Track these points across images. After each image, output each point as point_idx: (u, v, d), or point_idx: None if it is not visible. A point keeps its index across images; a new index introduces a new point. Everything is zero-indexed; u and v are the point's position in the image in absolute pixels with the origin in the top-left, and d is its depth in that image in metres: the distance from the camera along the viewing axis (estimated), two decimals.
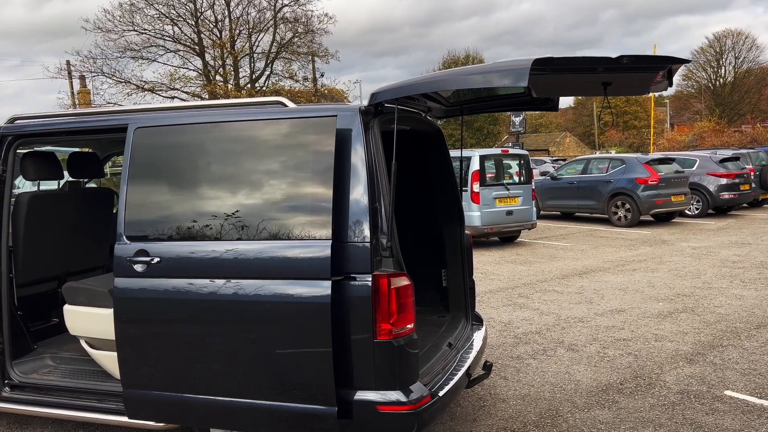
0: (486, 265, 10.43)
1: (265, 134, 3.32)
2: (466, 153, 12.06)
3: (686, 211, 15.98)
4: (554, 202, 16.51)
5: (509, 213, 11.94)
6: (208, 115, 3.45)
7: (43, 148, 4.91)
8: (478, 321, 4.75)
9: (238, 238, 3.26)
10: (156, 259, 3.37)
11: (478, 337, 4.44)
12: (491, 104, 4.65)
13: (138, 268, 3.40)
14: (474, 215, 11.55)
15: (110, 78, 27.02)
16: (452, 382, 3.59)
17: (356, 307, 3.17)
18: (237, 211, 3.30)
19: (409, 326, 3.28)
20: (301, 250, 3.14)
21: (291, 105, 3.44)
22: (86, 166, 4.66)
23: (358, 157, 3.24)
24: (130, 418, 3.54)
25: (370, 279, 3.15)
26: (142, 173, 3.50)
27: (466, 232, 4.77)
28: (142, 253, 3.41)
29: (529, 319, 6.90)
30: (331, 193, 3.10)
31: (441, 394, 3.41)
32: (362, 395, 3.20)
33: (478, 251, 11.83)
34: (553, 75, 3.20)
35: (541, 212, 16.93)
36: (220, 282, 3.25)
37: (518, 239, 13.15)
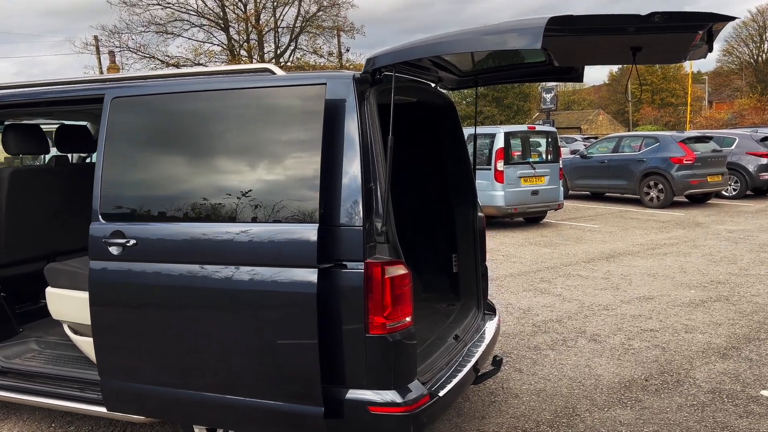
0: (508, 247, 10.03)
1: (248, 105, 2.99)
2: (490, 130, 11.61)
3: (723, 192, 15.27)
4: (583, 181, 15.93)
5: (535, 193, 11.47)
6: (188, 84, 3.13)
7: (34, 122, 4.67)
8: (491, 310, 4.41)
9: (217, 219, 2.96)
10: (132, 241, 3.10)
11: (489, 328, 4.09)
12: (510, 74, 4.25)
13: (113, 250, 3.13)
14: (497, 195, 11.12)
15: (135, 53, 26.95)
16: (455, 380, 3.26)
17: (347, 297, 2.85)
18: (216, 190, 3.00)
19: (406, 319, 2.96)
20: (285, 235, 2.83)
21: (280, 72, 3.10)
22: (76, 139, 4.40)
23: (351, 131, 2.90)
24: (108, 410, 3.30)
25: (363, 267, 2.83)
26: (118, 147, 3.21)
27: (479, 214, 4.41)
28: (118, 234, 3.14)
29: (550, 305, 6.53)
30: (319, 172, 2.77)
31: (442, 393, 3.08)
32: (354, 394, 2.90)
33: (501, 232, 11.42)
34: (574, 37, 2.79)
35: (570, 192, 16.38)
36: (195, 268, 2.96)
37: (544, 220, 12.68)
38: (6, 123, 3.96)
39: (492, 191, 11.16)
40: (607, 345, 5.28)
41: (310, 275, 2.77)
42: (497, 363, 3.72)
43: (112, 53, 29.06)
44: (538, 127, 12.13)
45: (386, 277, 2.85)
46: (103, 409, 3.34)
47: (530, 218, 12.44)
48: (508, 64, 4.11)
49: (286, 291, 2.81)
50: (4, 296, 3.97)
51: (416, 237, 4.65)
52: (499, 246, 10.06)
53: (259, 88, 2.96)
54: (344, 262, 2.87)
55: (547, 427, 3.83)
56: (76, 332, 3.71)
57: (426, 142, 4.43)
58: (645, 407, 4.08)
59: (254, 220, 2.90)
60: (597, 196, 16.55)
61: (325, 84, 2.85)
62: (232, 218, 2.93)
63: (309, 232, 2.78)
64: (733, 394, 4.24)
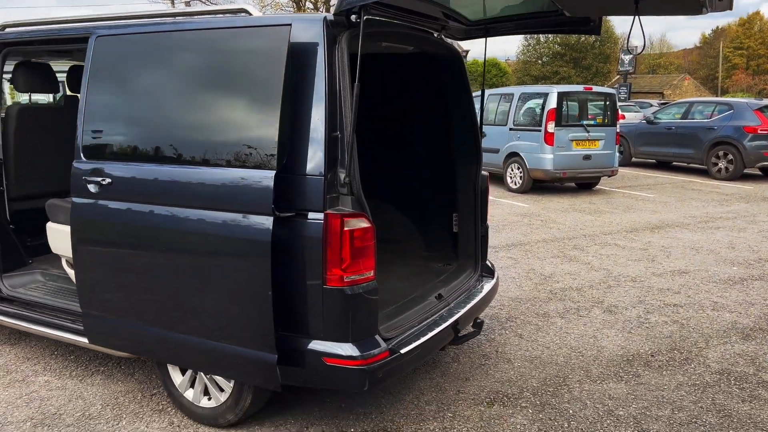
0: (550, 212, 9.71)
1: (214, 47, 2.94)
2: (542, 89, 11.15)
3: None
4: (648, 148, 15.12)
5: (587, 157, 10.99)
6: (162, 25, 3.11)
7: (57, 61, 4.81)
8: (489, 273, 4.27)
9: (180, 162, 2.97)
10: (107, 180, 3.16)
11: (481, 291, 3.98)
12: (522, 24, 4.00)
13: (92, 188, 3.20)
14: (546, 158, 10.73)
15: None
16: (423, 339, 3.19)
17: (307, 248, 2.82)
18: (180, 132, 3.00)
19: (367, 274, 2.90)
20: (242, 180, 2.80)
21: (256, 14, 3.02)
22: None
23: (317, 76, 2.80)
24: (89, 341, 3.44)
25: (322, 218, 2.78)
26: (98, 86, 3.26)
27: (483, 173, 4.24)
28: (97, 172, 3.20)
29: (574, 273, 6.29)
30: (278, 117, 2.70)
31: (404, 351, 3.02)
32: (313, 344, 2.89)
33: (546, 197, 11.06)
34: None
35: (633, 159, 15.63)
36: (161, 209, 2.99)
37: (597, 187, 12.18)
38: (17, 62, 4.09)
39: (540, 154, 10.78)
40: (621, 317, 5.05)
41: (266, 222, 2.74)
42: (478, 326, 3.62)
43: None
44: (595, 88, 11.52)
45: (345, 229, 2.78)
46: (86, 341, 3.48)
47: (581, 184, 11.97)
48: (519, 13, 3.88)
49: (242, 237, 2.80)
50: (13, 228, 4.16)
51: (420, 194, 4.55)
52: (540, 211, 9.75)
53: (225, 29, 2.91)
54: (305, 212, 2.82)
55: (530, 394, 3.72)
56: (71, 266, 3.86)
57: (430, 95, 4.28)
58: (641, 383, 3.89)
59: (214, 163, 2.88)
60: (663, 165, 15.72)
61: (290, 26, 2.76)
62: (193, 161, 2.93)
63: (265, 178, 2.73)
64: (743, 378, 3.98)
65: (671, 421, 3.44)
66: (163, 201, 3.00)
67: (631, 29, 3.13)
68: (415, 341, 3.14)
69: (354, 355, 2.85)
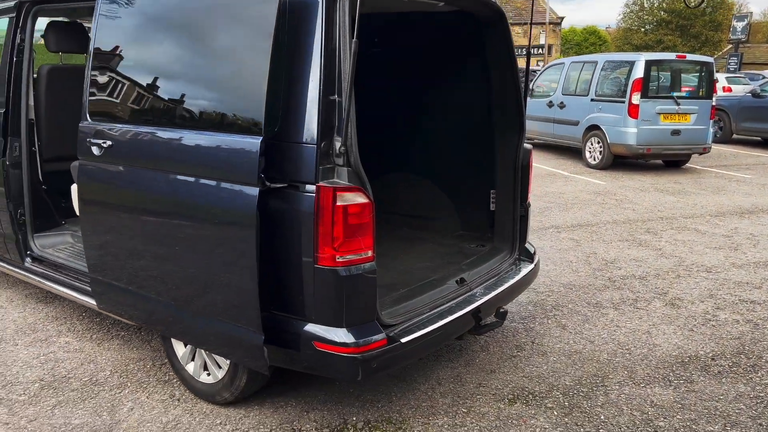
0: (628, 191, 8.99)
1: (209, 4, 2.72)
2: (629, 57, 10.28)
3: None
4: (752, 124, 13.76)
5: (675, 132, 10.07)
6: None
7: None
8: (528, 257, 3.89)
9: (173, 125, 2.80)
10: (108, 143, 3.04)
11: (514, 277, 3.61)
12: None
13: (95, 150, 3.10)
14: (629, 132, 9.92)
15: None
16: (432, 327, 2.90)
17: (299, 222, 2.58)
18: (172, 93, 2.85)
19: (365, 254, 2.63)
20: (229, 146, 2.59)
21: None
22: None
23: (312, 35, 2.52)
24: (97, 305, 3.40)
25: (315, 191, 2.53)
26: (103, 45, 3.13)
27: (526, 146, 3.83)
28: (99, 134, 3.10)
29: (640, 259, 5.73)
30: (266, 78, 2.45)
31: (405, 340, 2.75)
32: (306, 327, 2.67)
33: (627, 174, 10.27)
34: None
35: (734, 136, 14.31)
36: (155, 174, 2.85)
37: (687, 165, 11.20)
38: (48, 21, 4.05)
39: (623, 127, 9.98)
40: (685, 312, 4.52)
41: (251, 193, 2.52)
42: (501, 315, 3.27)
43: None
44: (689, 56, 10.49)
45: (338, 204, 2.52)
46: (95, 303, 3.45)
47: (669, 161, 11.04)
48: None
49: (228, 207, 2.61)
50: (46, 189, 4.19)
51: (457, 168, 4.20)
52: (616, 189, 9.05)
53: None
54: (298, 184, 2.58)
55: (559, 394, 3.36)
56: None
57: (468, 59, 3.89)
58: (693, 390, 3.42)
59: (202, 128, 2.69)
60: None
61: None
62: (183, 125, 2.76)
63: (251, 145, 2.51)
64: None
65: None
66: (156, 166, 2.85)
67: None
68: (421, 330, 2.85)
69: (347, 341, 2.61)
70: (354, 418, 3.08)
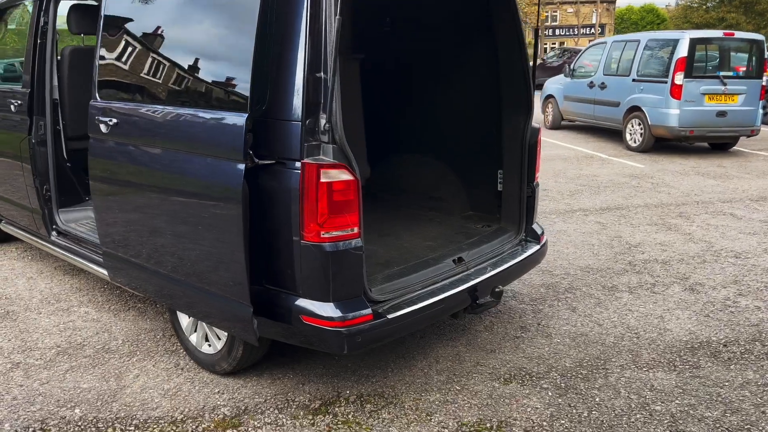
0: (666, 174, 8.71)
1: None
2: (673, 35, 9.90)
3: None
4: None
5: (721, 114, 9.67)
6: None
7: None
8: (535, 237, 3.85)
9: (168, 103, 2.90)
10: (114, 120, 3.17)
11: (516, 257, 3.59)
12: None
13: (102, 127, 3.23)
14: (671, 113, 9.59)
15: None
16: (422, 304, 2.93)
17: (285, 198, 2.65)
18: (166, 70, 2.93)
19: (350, 230, 2.67)
20: (217, 123, 2.67)
21: None
22: None
23: (299, 12, 2.55)
24: (110, 278, 3.56)
25: (300, 167, 2.58)
26: (113, 26, 3.25)
27: (534, 125, 3.78)
28: (106, 112, 3.22)
29: (666, 244, 5.58)
30: (251, 53, 2.50)
31: (392, 315, 2.79)
32: (295, 301, 2.75)
33: (668, 157, 9.94)
34: None
35: None
36: (152, 151, 2.97)
37: (734, 148, 10.76)
38: (71, 3, 4.21)
39: (665, 108, 9.65)
40: (704, 297, 4.39)
41: (238, 169, 2.59)
42: (496, 295, 3.26)
43: None
44: (738, 34, 10.02)
45: (323, 180, 2.56)
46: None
47: (716, 144, 10.64)
48: None
49: (216, 183, 2.69)
50: (70, 166, 4.38)
51: (466, 147, 4.18)
52: (654, 172, 8.78)
53: None
54: (285, 161, 2.64)
55: (557, 375, 3.34)
56: None
57: (476, 35, 3.85)
58: (697, 376, 3.34)
59: (193, 105, 2.78)
60: None
61: None
62: (175, 102, 2.87)
63: (237, 121, 2.57)
64: None
65: (717, 425, 2.91)
66: (152, 143, 2.97)
67: None
68: (410, 306, 2.89)
69: (333, 316, 2.67)
70: (347, 392, 3.15)
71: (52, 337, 3.68)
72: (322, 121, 2.57)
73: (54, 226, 4.24)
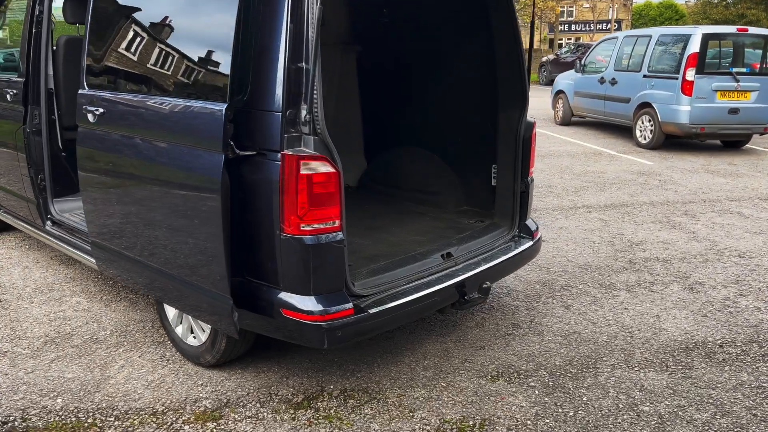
0: (674, 171, 8.59)
1: None
2: (684, 30, 9.74)
3: None
4: None
5: (733, 111, 9.51)
6: None
7: None
8: (529, 234, 3.79)
9: (150, 93, 2.88)
10: (100, 110, 3.15)
11: (506, 254, 3.53)
12: None
13: (90, 117, 3.22)
14: (682, 110, 9.44)
15: None
16: (406, 299, 2.89)
17: (265, 190, 2.62)
18: (147, 59, 2.90)
19: (331, 223, 2.64)
20: (196, 113, 2.64)
21: None
22: None
23: (281, 1, 2.52)
24: (98, 267, 3.55)
25: (280, 158, 2.55)
26: (99, 15, 3.23)
27: (528, 120, 3.72)
28: (93, 102, 3.21)
29: (669, 242, 5.49)
30: (231, 41, 2.47)
31: (374, 310, 2.75)
32: (277, 294, 2.72)
33: (678, 154, 9.80)
34: None
35: None
36: (134, 141, 2.95)
37: (747, 145, 10.58)
38: None
39: (676, 105, 9.50)
40: (703, 297, 4.31)
41: (217, 159, 2.56)
42: (484, 291, 3.21)
43: None
44: (752, 29, 9.83)
45: (303, 172, 2.53)
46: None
47: (728, 142, 10.47)
48: None
49: (196, 173, 2.67)
50: (65, 156, 4.38)
51: (462, 142, 4.13)
52: (663, 170, 8.66)
53: None
54: (266, 152, 2.60)
55: (546, 374, 3.28)
56: None
57: (473, 31, 3.79)
58: (689, 377, 3.28)
59: (174, 94, 2.77)
60: None
61: None
62: (157, 91, 2.86)
63: (216, 111, 2.54)
64: None
65: (706, 427, 2.85)
66: (134, 133, 2.95)
67: None
68: (393, 301, 2.85)
69: (312, 310, 2.63)
70: (331, 386, 3.12)
71: (41, 326, 3.69)
72: (303, 112, 2.53)
73: (49, 216, 4.24)
